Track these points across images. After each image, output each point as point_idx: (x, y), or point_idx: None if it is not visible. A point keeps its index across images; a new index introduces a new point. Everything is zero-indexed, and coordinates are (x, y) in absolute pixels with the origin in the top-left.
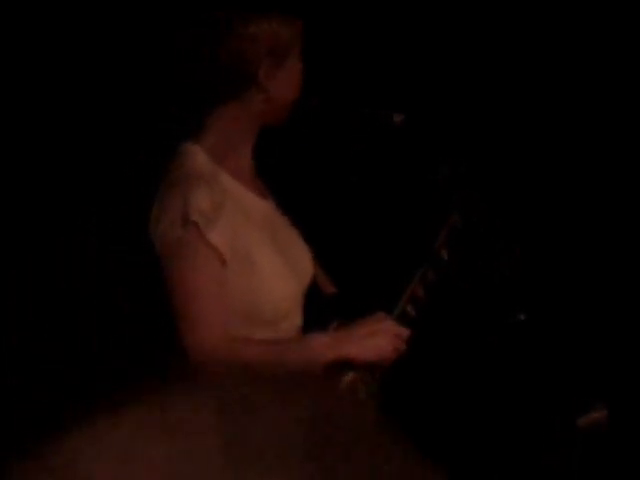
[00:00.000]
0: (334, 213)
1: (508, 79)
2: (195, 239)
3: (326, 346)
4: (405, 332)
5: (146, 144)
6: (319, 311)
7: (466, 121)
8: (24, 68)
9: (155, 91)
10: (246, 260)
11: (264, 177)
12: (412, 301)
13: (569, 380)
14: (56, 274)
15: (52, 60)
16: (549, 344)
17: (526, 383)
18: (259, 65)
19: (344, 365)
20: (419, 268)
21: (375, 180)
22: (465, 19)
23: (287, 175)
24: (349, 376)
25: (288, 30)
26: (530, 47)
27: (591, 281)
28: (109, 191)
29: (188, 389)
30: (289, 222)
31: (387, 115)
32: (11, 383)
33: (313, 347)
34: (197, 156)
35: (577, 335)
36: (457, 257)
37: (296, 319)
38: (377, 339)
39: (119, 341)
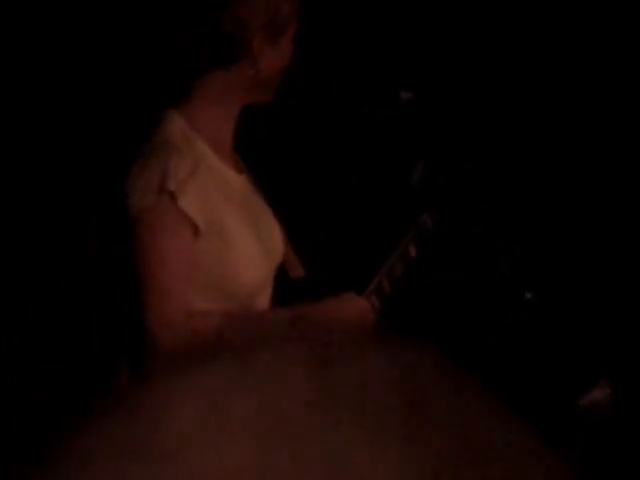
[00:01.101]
0: (311, 195)
1: (508, 78)
2: (168, 207)
3: (286, 319)
4: (372, 314)
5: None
6: (286, 293)
7: (468, 120)
8: (24, 68)
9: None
10: (219, 231)
11: (244, 150)
12: (378, 292)
13: (571, 359)
14: (56, 274)
15: (52, 59)
16: (554, 323)
17: (528, 363)
18: (254, 35)
19: None
20: (387, 260)
21: (356, 168)
22: (472, 16)
23: (269, 152)
24: None
25: (288, 6)
26: (527, 48)
27: (595, 263)
28: (109, 191)
29: (274, 344)
30: (263, 200)
31: (395, 92)
32: (11, 383)
33: (274, 319)
34: (175, 122)
35: (581, 314)
36: (425, 256)
37: (262, 299)
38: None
39: (119, 341)
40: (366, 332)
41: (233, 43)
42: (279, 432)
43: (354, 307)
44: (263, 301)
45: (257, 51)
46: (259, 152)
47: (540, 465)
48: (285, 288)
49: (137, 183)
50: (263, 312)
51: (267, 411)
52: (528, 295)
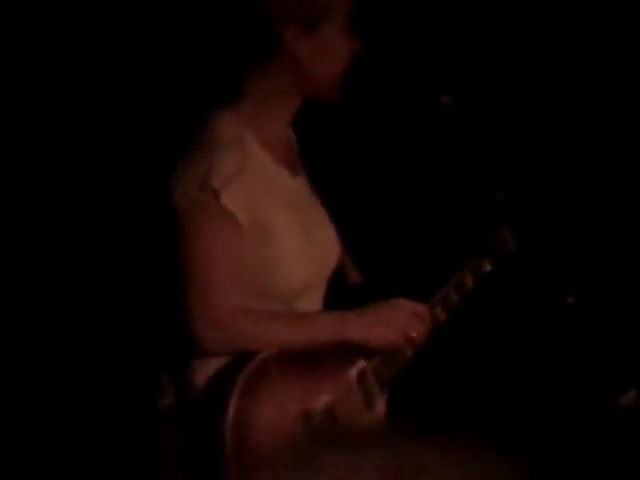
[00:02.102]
0: (372, 203)
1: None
2: (210, 204)
3: (329, 326)
4: (426, 313)
5: (147, 144)
6: (342, 298)
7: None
8: (24, 69)
9: (158, 88)
10: (265, 230)
11: (305, 154)
12: (444, 302)
13: (610, 360)
14: (56, 274)
15: (51, 59)
16: (594, 326)
17: (567, 365)
18: (285, 30)
19: (358, 352)
20: (457, 272)
21: (423, 179)
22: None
23: (330, 157)
24: (358, 365)
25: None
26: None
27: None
28: (109, 191)
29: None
30: (319, 203)
31: (435, 97)
32: (11, 383)
33: (316, 324)
34: (226, 120)
35: (618, 318)
36: (503, 272)
37: (313, 302)
38: (388, 329)
39: (119, 341)
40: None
41: (266, 37)
42: None
43: (407, 308)
44: (309, 304)
45: (291, 42)
46: (322, 156)
47: None
48: (342, 293)
49: (181, 179)
50: (307, 317)
51: None
52: (570, 299)
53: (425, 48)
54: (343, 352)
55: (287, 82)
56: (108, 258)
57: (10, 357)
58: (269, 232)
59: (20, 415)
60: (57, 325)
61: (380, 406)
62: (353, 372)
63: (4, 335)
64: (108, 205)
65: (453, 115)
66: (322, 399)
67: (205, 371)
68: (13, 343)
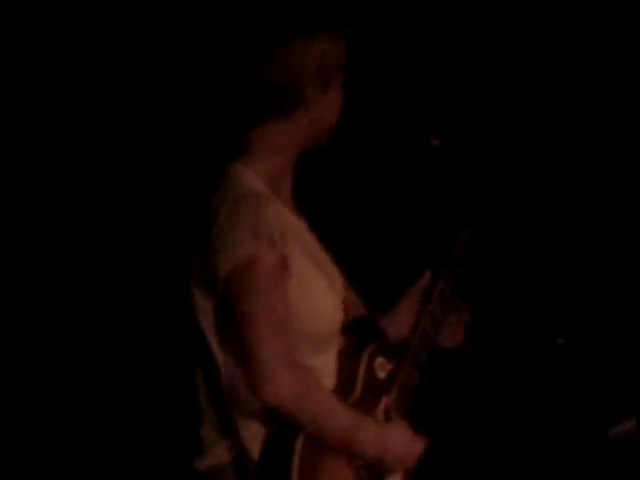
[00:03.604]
0: (360, 236)
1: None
2: (268, 252)
3: (403, 446)
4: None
5: (147, 145)
6: (354, 333)
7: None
8: (25, 69)
9: (161, 92)
10: (300, 280)
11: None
12: (440, 299)
13: (600, 391)
14: (56, 274)
15: (50, 60)
16: (584, 361)
17: (558, 395)
18: (308, 84)
19: (378, 391)
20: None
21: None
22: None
23: (317, 195)
24: (381, 405)
25: (335, 50)
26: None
27: (620, 293)
28: (109, 191)
29: None
30: (319, 243)
31: (425, 139)
32: (11, 383)
33: (389, 440)
34: (247, 175)
35: (609, 349)
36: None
37: (337, 344)
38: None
39: (119, 341)
40: None
41: (287, 93)
42: None
43: (403, 438)
44: (337, 345)
45: (311, 97)
46: (308, 192)
47: None
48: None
49: (229, 238)
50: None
51: None
52: (561, 340)
53: (416, 90)
54: (366, 395)
55: (299, 135)
56: (109, 258)
57: (10, 357)
58: (303, 280)
59: (20, 416)
60: (57, 325)
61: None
62: (380, 411)
63: (4, 335)
64: (108, 205)
65: (443, 157)
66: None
67: (250, 432)
68: (13, 343)
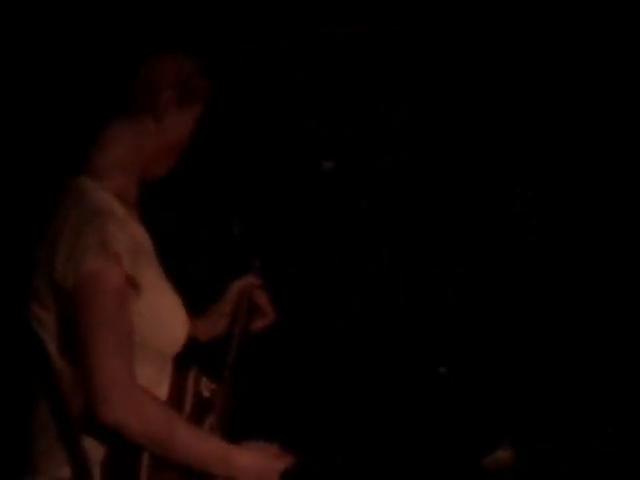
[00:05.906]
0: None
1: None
2: (115, 269)
3: (248, 470)
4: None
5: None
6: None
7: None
8: (25, 69)
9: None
10: (151, 296)
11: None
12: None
13: (475, 419)
14: None
15: (49, 60)
16: (463, 391)
17: (433, 423)
18: (162, 90)
19: (205, 409)
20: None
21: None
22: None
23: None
24: (208, 421)
25: (201, 81)
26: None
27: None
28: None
29: None
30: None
31: (317, 162)
32: (13, 383)
33: (237, 464)
34: (93, 188)
35: (485, 377)
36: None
37: (170, 367)
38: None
39: None
40: None
41: (139, 91)
42: None
43: (260, 463)
44: (170, 368)
45: (163, 108)
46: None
47: None
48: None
49: (75, 252)
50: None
51: None
52: (442, 369)
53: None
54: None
55: (145, 145)
56: None
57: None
58: (150, 291)
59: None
60: None
61: None
62: (205, 430)
63: (4, 334)
64: None
65: (334, 180)
66: None
67: (92, 446)
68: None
